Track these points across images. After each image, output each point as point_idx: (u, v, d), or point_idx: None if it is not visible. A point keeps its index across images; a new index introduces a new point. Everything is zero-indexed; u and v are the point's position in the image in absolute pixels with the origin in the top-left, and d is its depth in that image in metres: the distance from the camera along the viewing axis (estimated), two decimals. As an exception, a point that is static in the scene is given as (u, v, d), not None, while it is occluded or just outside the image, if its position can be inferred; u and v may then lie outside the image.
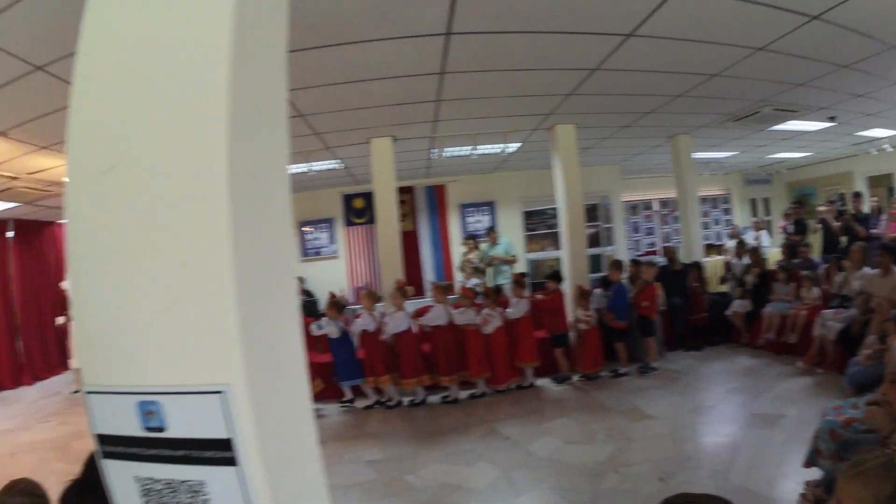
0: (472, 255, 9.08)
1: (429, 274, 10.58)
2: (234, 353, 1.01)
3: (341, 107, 5.46)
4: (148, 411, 1.07)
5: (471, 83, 5.13)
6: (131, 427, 1.09)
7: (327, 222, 11.07)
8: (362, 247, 10.63)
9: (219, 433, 1.03)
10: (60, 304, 9.49)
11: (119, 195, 1.08)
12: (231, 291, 1.00)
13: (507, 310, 6.53)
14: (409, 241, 10.00)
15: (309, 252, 11.05)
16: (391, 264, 7.16)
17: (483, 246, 9.22)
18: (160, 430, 1.07)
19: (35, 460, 5.34)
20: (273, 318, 1.12)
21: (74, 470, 1.90)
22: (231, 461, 1.04)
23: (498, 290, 7.35)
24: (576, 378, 6.64)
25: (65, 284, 9.56)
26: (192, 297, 1.03)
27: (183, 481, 1.08)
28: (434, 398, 6.39)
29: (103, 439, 1.15)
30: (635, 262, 7.91)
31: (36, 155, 5.95)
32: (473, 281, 8.78)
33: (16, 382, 9.01)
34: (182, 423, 1.06)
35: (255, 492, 1.04)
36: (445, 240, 10.78)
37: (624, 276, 7.25)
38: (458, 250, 10.20)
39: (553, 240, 10.37)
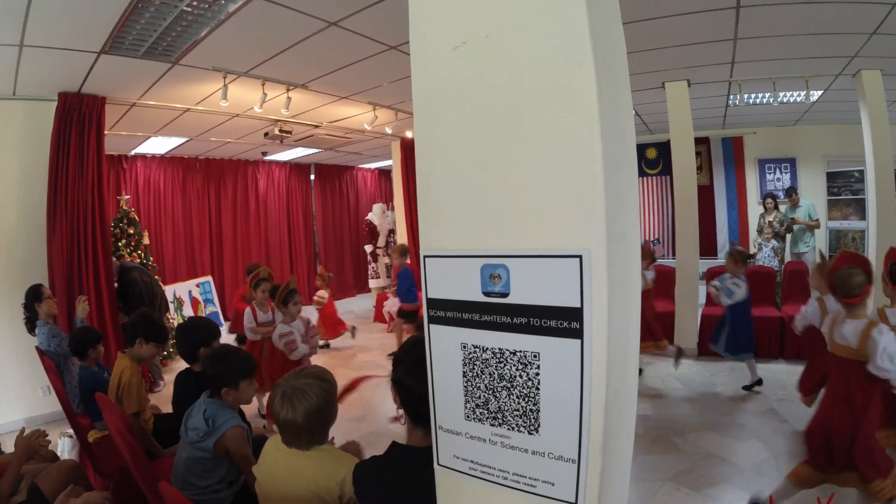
0: (772, 217, 8.16)
1: (723, 234, 9.77)
2: (597, 217, 0.92)
3: (634, 48, 5.16)
4: (493, 275, 1.04)
5: (768, 18, 4.51)
6: (471, 292, 1.08)
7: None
8: (655, 199, 10.19)
9: (570, 302, 0.96)
10: (363, 236, 11.18)
11: (469, 67, 1.05)
12: (598, 153, 0.91)
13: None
14: (704, 197, 9.03)
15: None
16: (687, 219, 6.65)
17: (783, 207, 8.26)
18: (503, 295, 1.04)
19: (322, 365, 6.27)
20: (622, 187, 1.01)
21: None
22: (577, 333, 0.96)
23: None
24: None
25: (371, 216, 11.17)
26: (551, 161, 0.97)
27: (515, 351, 1.04)
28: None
29: (434, 303, 1.16)
30: None
31: (336, 105, 6.76)
32: (773, 244, 7.97)
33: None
34: (529, 289, 1.01)
35: (595, 367, 0.96)
36: (742, 198, 9.74)
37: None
38: (754, 210, 9.25)
39: (857, 207, 8.75)
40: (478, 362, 1.10)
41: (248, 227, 10.49)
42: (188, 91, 5.75)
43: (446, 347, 1.15)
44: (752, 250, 8.52)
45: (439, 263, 1.13)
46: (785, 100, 7.13)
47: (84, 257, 5.47)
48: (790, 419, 4.55)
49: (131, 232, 6.95)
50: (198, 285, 8.16)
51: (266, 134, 7.40)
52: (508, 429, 1.08)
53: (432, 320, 1.17)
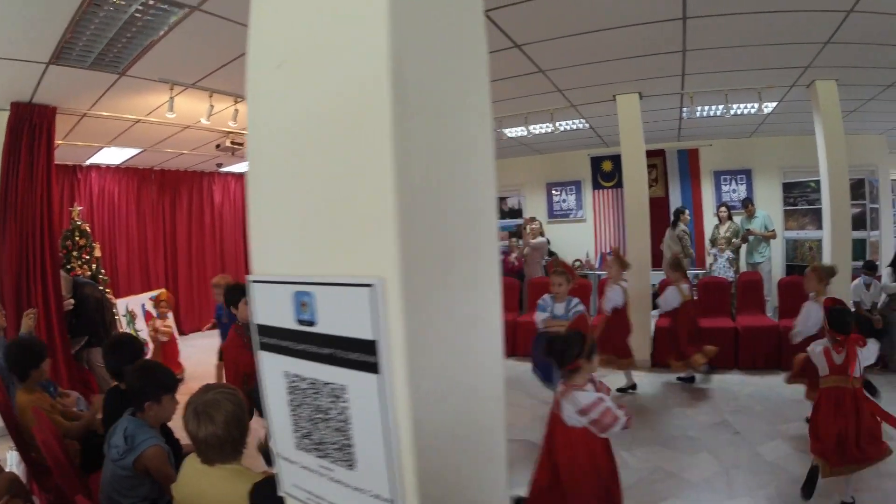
0: (726, 227, 8.28)
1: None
2: (390, 243, 0.87)
3: (583, 60, 5.21)
4: (302, 303, 1.00)
5: (716, 29, 4.54)
6: (287, 319, 1.04)
7: (575, 185, 10.82)
8: (610, 211, 10.19)
9: (364, 333, 0.90)
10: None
11: (288, 88, 1.02)
12: (389, 176, 0.86)
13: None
14: (659, 209, 9.00)
15: (556, 213, 11.02)
16: (638, 232, 6.69)
17: (738, 218, 8.38)
18: (311, 324, 0.99)
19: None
20: (436, 211, 0.97)
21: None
22: (373, 367, 0.90)
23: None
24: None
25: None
26: (349, 184, 0.93)
27: (326, 383, 1.00)
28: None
29: (262, 330, 1.12)
30: None
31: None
32: (728, 255, 8.03)
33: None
34: (332, 318, 0.96)
35: (399, 405, 0.90)
36: (698, 209, 9.78)
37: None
38: (710, 222, 9.30)
39: (813, 217, 8.85)
40: (298, 392, 1.06)
41: (203, 240, 10.34)
42: (137, 102, 5.68)
43: (273, 374, 1.11)
44: (708, 261, 8.59)
45: (263, 289, 1.10)
46: (738, 112, 7.21)
47: (33, 269, 5.39)
48: (743, 431, 4.51)
49: (83, 244, 6.79)
50: (151, 298, 8.00)
51: (218, 146, 7.32)
52: (331, 462, 1.04)
53: (262, 346, 1.13)
